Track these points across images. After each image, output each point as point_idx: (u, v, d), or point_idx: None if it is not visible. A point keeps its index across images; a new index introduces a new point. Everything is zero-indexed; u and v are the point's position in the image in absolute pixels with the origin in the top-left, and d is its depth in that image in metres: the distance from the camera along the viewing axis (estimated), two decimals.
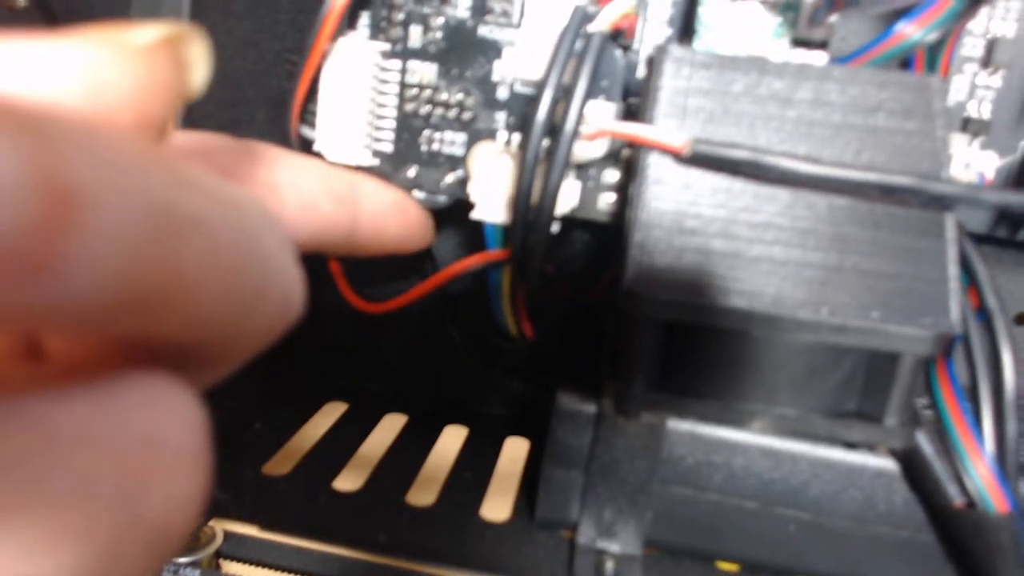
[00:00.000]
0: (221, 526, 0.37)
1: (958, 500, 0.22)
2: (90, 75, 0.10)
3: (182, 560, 0.35)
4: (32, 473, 0.08)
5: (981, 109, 0.27)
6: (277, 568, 0.37)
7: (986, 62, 0.27)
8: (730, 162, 0.19)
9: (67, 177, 0.07)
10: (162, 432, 0.09)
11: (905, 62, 0.27)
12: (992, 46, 0.27)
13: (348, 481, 0.27)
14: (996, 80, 0.27)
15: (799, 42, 0.22)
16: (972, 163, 0.26)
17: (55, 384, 0.09)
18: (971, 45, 0.27)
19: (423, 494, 0.27)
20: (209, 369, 0.11)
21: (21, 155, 0.07)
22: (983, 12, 0.27)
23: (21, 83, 0.09)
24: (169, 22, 0.11)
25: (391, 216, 0.21)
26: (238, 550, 0.37)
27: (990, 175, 0.26)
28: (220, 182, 0.10)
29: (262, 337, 0.11)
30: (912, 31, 0.20)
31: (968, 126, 0.27)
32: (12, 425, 0.08)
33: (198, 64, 0.11)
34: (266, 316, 0.11)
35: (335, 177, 0.19)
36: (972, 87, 0.27)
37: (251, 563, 0.37)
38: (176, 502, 0.10)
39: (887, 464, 0.23)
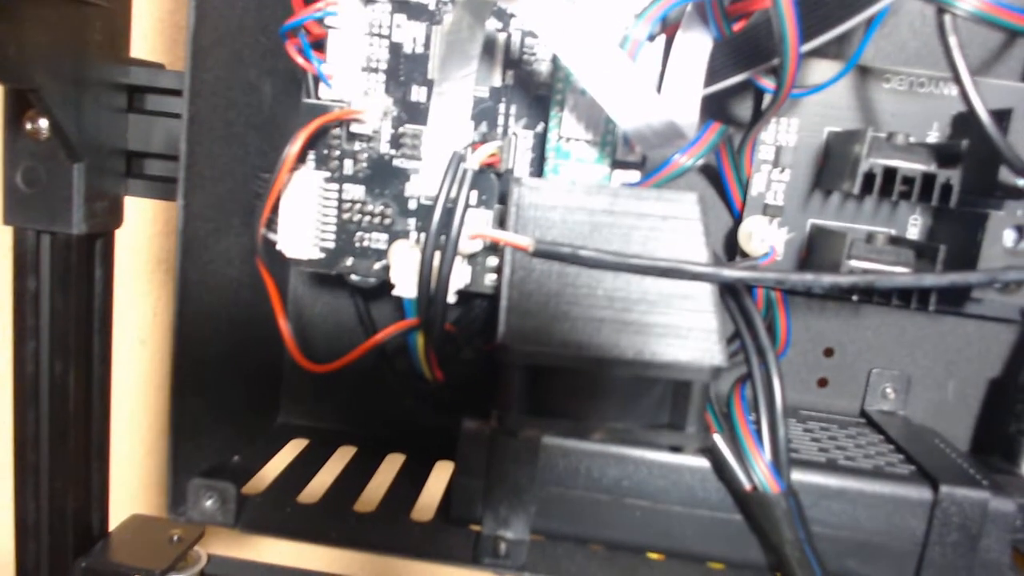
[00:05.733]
0: (205, 549, 0.44)
1: (748, 485, 0.31)
2: None
3: None
4: None
5: (776, 197, 0.37)
6: None
7: (776, 163, 0.37)
8: (560, 255, 0.28)
9: None
10: None
11: (717, 167, 0.36)
12: (779, 152, 0.36)
13: (309, 496, 0.35)
14: (785, 176, 0.37)
15: (617, 164, 0.31)
16: (766, 238, 0.35)
17: None
18: (765, 151, 0.37)
19: (367, 504, 0.35)
20: None
21: None
22: (772, 126, 0.36)
23: None
24: None
25: None
26: (220, 570, 0.45)
27: (780, 247, 0.35)
28: None
29: None
30: (685, 160, 0.29)
31: (767, 210, 0.37)
32: None
33: None
34: None
35: None
36: (769, 181, 0.37)
37: None
38: None
39: (701, 462, 0.32)
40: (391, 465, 0.39)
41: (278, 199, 0.31)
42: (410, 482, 0.37)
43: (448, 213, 0.29)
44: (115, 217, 0.38)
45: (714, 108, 0.36)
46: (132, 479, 0.58)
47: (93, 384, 0.39)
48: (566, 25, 0.27)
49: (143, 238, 0.56)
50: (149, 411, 0.60)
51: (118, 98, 0.36)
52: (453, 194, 0.29)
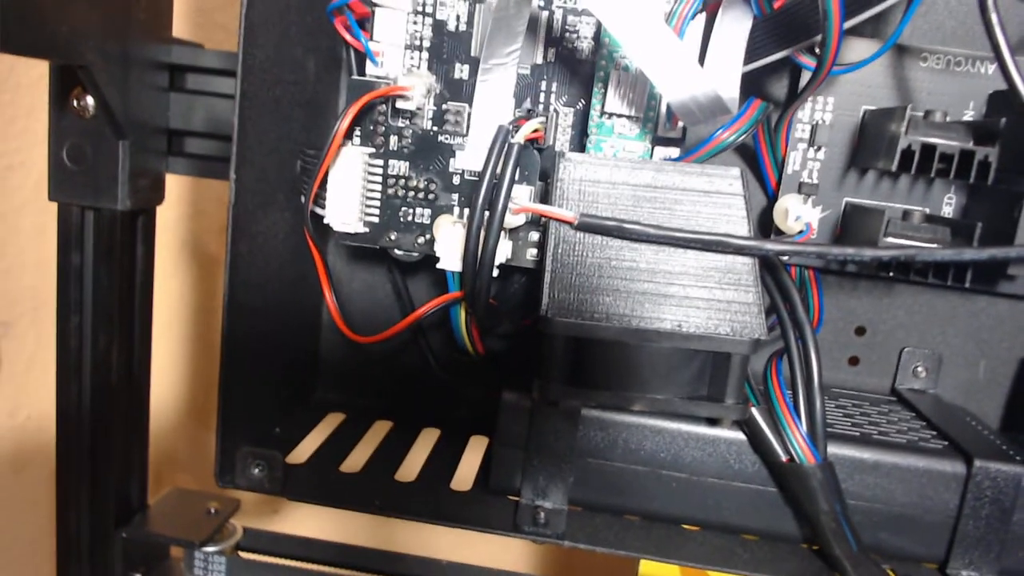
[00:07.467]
0: (241, 523, 0.45)
1: (784, 457, 0.31)
2: None
3: (210, 549, 0.43)
4: None
5: (812, 176, 0.37)
6: (283, 556, 0.45)
7: (812, 142, 0.37)
8: (604, 228, 0.28)
9: None
10: None
11: (753, 146, 0.37)
12: (815, 130, 0.37)
13: (350, 467, 0.35)
14: (821, 155, 0.37)
15: (658, 140, 0.32)
16: (801, 216, 0.36)
17: None
18: (801, 130, 0.37)
19: (406, 474, 0.35)
20: None
21: None
22: (808, 105, 0.37)
23: None
24: None
25: None
26: (254, 543, 0.46)
27: (815, 224, 0.36)
28: None
29: None
30: (727, 136, 0.30)
31: (802, 188, 0.37)
32: None
33: None
34: None
35: None
36: (804, 159, 0.37)
37: (263, 553, 0.46)
38: None
39: (737, 435, 0.33)
40: (427, 439, 0.40)
41: (326, 174, 0.32)
42: (447, 455, 0.38)
43: (494, 187, 0.30)
44: (157, 194, 0.38)
45: (750, 86, 0.36)
46: (156, 455, 0.59)
47: (134, 358, 0.39)
48: (616, 1, 0.27)
49: (168, 220, 0.56)
50: (175, 392, 0.61)
51: (160, 77, 0.37)
52: (499, 169, 0.30)
